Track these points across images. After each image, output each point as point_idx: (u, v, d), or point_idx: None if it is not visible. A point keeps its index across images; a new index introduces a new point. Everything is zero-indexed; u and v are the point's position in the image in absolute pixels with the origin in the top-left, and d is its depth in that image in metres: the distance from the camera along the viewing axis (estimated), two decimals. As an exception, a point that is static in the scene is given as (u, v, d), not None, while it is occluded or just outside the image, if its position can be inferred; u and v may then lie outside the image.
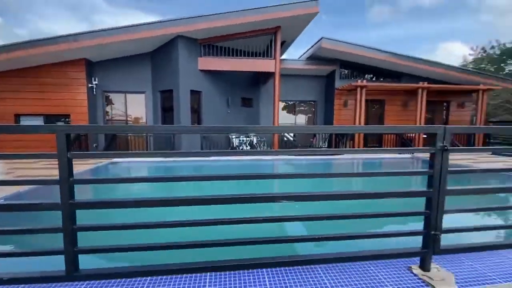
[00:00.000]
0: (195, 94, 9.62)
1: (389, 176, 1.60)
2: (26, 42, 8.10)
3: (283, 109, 13.63)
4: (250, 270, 1.63)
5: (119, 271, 1.48)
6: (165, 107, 9.81)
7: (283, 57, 13.79)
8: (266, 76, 11.88)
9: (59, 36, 8.19)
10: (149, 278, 1.54)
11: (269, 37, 10.12)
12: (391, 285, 1.52)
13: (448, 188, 1.59)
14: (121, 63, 9.83)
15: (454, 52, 53.94)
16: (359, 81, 11.18)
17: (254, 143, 11.67)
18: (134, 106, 10.37)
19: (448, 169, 1.57)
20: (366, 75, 12.97)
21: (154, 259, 1.59)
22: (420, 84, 11.56)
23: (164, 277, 1.55)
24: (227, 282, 1.52)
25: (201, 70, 9.68)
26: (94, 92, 9.68)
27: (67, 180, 1.36)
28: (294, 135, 12.21)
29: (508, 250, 1.78)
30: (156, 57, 9.77)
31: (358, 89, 11.18)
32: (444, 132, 1.52)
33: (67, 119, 9.51)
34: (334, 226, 1.72)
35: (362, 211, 1.68)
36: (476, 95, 12.51)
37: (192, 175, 1.84)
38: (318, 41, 11.14)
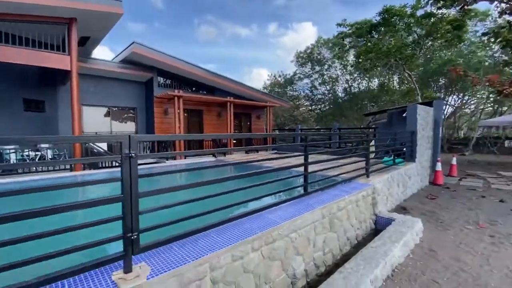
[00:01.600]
0: None
1: (83, 186, 1.56)
2: None
3: (101, 115, 11.65)
4: None
5: None
6: None
7: (97, 56, 11.90)
8: (64, 75, 9.65)
9: None
10: None
11: (64, 29, 8.28)
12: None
13: (141, 191, 1.79)
14: None
15: (263, 76, 71.38)
16: (176, 91, 11.64)
17: (48, 158, 9.10)
18: None
19: (139, 173, 1.76)
20: (185, 86, 13.78)
21: None
22: (228, 98, 13.79)
23: None
24: None
25: None
26: None
27: None
28: (111, 145, 10.72)
29: (198, 234, 2.28)
30: None
31: (176, 98, 11.60)
32: (129, 140, 1.68)
33: None
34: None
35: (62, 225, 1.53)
36: (266, 110, 16.70)
37: None
38: (130, 45, 10.52)
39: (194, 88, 14.27)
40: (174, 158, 10.82)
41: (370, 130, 14.52)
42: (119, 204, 1.71)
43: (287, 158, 3.33)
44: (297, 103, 34.00)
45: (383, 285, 2.77)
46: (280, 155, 9.12)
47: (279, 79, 35.39)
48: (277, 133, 18.03)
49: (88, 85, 10.78)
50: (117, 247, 1.77)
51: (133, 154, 1.69)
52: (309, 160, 3.67)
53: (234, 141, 15.42)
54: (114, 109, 12.23)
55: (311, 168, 3.78)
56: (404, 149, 7.02)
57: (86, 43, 10.31)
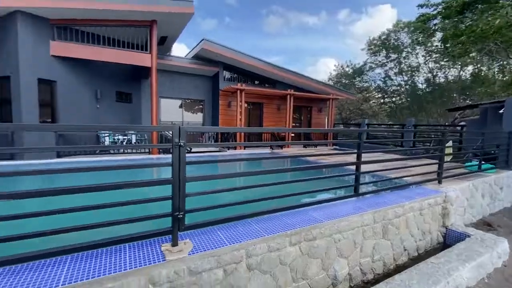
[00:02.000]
0: (46, 84, 8.04)
1: (132, 168, 1.86)
2: None
3: (177, 106, 13.24)
4: None
5: None
6: (1, 99, 7.74)
7: (174, 53, 13.44)
8: (147, 71, 11.21)
9: None
10: None
11: (147, 30, 9.59)
12: (139, 263, 1.79)
13: (188, 176, 1.99)
14: None
15: (329, 67, 67.97)
16: (239, 84, 12.17)
17: (133, 143, 10.84)
18: None
19: (186, 160, 1.96)
20: (248, 79, 14.26)
21: None
22: (288, 91, 13.68)
23: None
24: None
25: (55, 57, 8.17)
26: None
27: None
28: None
29: (237, 221, 2.39)
30: (-15, 33, 7.56)
31: (238, 91, 12.14)
32: (179, 131, 1.89)
33: None
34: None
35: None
36: (329, 103, 15.92)
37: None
38: (200, 41, 11.42)
39: (256, 82, 14.63)
40: (234, 148, 11.48)
41: (457, 128, 12.34)
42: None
43: (344, 155, 3.16)
44: (367, 95, 31.21)
45: (442, 308, 2.41)
46: (338, 151, 8.67)
47: (347, 69, 33.05)
48: (337, 128, 17.02)
49: (165, 80, 12.24)
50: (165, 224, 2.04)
51: (182, 143, 1.90)
52: (368, 159, 3.39)
53: (293, 135, 15.32)
54: (186, 101, 13.60)
55: (366, 168, 3.50)
56: (497, 153, 5.76)
57: (165, 42, 11.69)
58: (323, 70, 65.49)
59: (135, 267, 1.75)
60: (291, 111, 13.94)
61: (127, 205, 1.87)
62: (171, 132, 1.89)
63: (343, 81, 32.49)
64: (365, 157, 3.41)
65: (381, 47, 26.56)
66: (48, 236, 1.67)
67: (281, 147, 11.73)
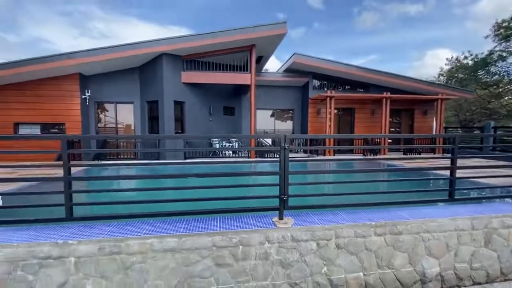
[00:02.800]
0: (179, 105, 10.76)
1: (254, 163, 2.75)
2: (26, 60, 9.15)
3: (268, 115, 14.84)
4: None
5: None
6: (152, 116, 10.91)
7: (265, 68, 15.12)
8: (246, 88, 13.11)
9: (55, 55, 9.27)
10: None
11: (247, 53, 11.36)
12: (259, 226, 2.67)
13: (291, 170, 2.75)
14: (112, 76, 10.95)
15: (442, 59, 55.94)
16: (328, 91, 12.46)
17: (235, 147, 12.81)
18: (123, 115, 11.45)
19: (290, 158, 2.73)
20: (338, 85, 14.29)
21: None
22: (384, 94, 12.90)
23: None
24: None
25: (184, 83, 10.84)
26: (87, 103, 10.74)
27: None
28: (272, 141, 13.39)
29: (328, 209, 2.94)
30: (144, 71, 10.92)
31: (328, 98, 12.44)
32: (284, 138, 2.69)
33: (62, 127, 10.52)
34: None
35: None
36: (436, 104, 13.92)
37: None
38: (291, 56, 12.44)
39: (347, 87, 14.45)
40: (324, 154, 11.81)
41: None
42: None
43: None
44: (497, 91, 24.86)
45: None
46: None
47: (465, 61, 27.34)
48: (444, 133, 14.42)
49: (260, 93, 13.86)
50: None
51: (286, 147, 2.69)
52: (468, 165, 3.32)
53: (389, 141, 14.19)
54: (277, 111, 14.89)
55: (467, 173, 3.40)
56: None
57: (260, 60, 13.33)
58: (432, 64, 55.62)
59: (256, 228, 2.63)
60: (387, 116, 13.05)
61: (250, 187, 2.80)
62: (267, 140, 2.72)
63: (460, 76, 27.07)
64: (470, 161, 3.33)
65: (516, 30, 20.83)
66: (212, 201, 2.78)
67: (376, 154, 11.21)
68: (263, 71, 14.25)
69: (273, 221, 2.75)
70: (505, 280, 3.05)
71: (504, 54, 22.31)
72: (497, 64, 23.80)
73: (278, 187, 2.78)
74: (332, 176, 4.65)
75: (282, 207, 2.76)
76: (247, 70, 11.42)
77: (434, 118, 15.18)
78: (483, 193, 3.58)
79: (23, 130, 10.37)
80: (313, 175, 5.71)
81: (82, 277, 2.35)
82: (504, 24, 21.68)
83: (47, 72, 9.66)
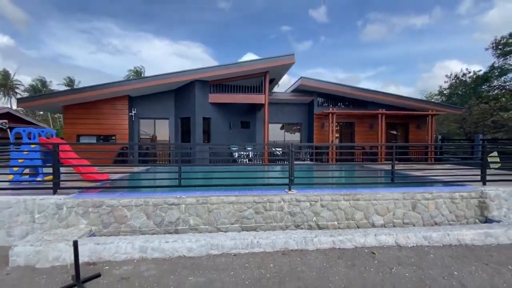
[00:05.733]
0: (206, 120, 13.19)
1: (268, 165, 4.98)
2: (90, 86, 11.86)
3: (278, 128, 17.11)
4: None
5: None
6: (184, 130, 13.36)
7: (276, 89, 17.52)
8: (260, 106, 15.48)
9: (111, 83, 11.95)
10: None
11: (261, 77, 13.79)
12: (278, 193, 4.85)
13: (295, 162, 4.95)
14: (153, 97, 13.56)
15: (452, 69, 56.56)
16: (330, 108, 14.64)
17: (250, 155, 15.04)
18: (160, 128, 13.97)
19: (295, 163, 4.94)
20: (340, 103, 16.46)
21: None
22: (379, 111, 14.96)
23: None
24: (224, 192, 4.89)
25: (211, 103, 13.30)
26: (133, 119, 13.32)
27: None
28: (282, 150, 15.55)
29: (319, 186, 5.10)
30: (179, 93, 13.48)
31: (330, 114, 14.61)
32: (291, 145, 4.90)
33: (113, 138, 13.08)
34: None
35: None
36: (428, 119, 15.84)
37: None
38: (299, 79, 14.79)
39: (347, 103, 16.60)
40: (327, 161, 13.86)
41: None
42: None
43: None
44: (498, 105, 25.89)
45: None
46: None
47: (463, 78, 28.92)
48: (433, 143, 16.22)
49: (271, 109, 16.18)
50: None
51: (292, 150, 4.90)
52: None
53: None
54: (286, 124, 17.15)
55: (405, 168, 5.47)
56: None
57: (272, 82, 15.75)
58: (442, 75, 56.67)
59: (274, 193, 4.81)
60: (383, 129, 15.05)
61: (272, 173, 5.01)
62: (279, 149, 4.92)
63: (459, 93, 28.62)
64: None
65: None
66: (254, 179, 5.00)
67: (373, 162, 13.15)
68: (274, 90, 16.63)
69: (285, 191, 4.92)
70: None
71: (508, 68, 22.95)
72: (498, 79, 24.87)
73: (288, 172, 4.97)
74: (322, 170, 6.80)
75: (290, 183, 4.93)
76: (261, 92, 13.82)
77: (428, 131, 17.06)
78: (413, 180, 5.63)
79: (82, 141, 12.97)
80: (311, 170, 7.87)
81: (188, 215, 4.58)
82: (502, 41, 22.81)
83: (104, 95, 12.33)
